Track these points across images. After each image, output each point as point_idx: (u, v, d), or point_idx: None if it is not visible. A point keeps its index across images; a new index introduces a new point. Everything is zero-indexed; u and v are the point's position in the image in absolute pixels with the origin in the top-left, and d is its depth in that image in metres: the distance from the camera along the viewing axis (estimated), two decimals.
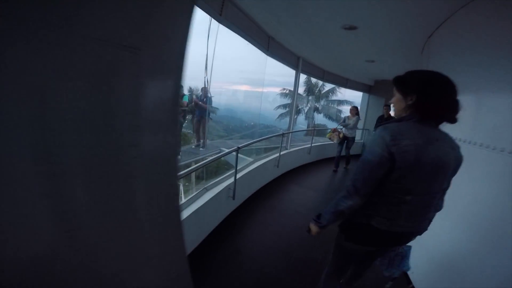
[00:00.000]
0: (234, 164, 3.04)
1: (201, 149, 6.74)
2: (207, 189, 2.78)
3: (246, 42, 3.58)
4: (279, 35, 4.20)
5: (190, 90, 7.06)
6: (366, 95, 8.96)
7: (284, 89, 20.06)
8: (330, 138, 6.02)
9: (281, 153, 4.97)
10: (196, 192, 2.61)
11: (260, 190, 4.24)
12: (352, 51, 4.70)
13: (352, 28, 3.37)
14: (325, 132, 6.17)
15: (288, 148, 5.78)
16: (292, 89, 6.22)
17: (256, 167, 4.06)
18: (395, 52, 4.41)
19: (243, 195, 3.66)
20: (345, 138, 5.87)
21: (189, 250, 2.36)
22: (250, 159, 4.52)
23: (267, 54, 4.30)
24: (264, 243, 2.73)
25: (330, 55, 5.24)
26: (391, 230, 1.14)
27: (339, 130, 5.95)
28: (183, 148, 6.64)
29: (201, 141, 6.78)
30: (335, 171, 5.91)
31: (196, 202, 2.50)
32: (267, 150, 5.58)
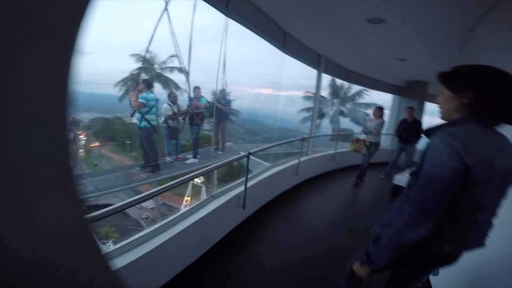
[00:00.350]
0: (251, 169, 2.84)
1: (219, 152, 6.68)
2: (214, 197, 2.60)
3: (259, 37, 3.36)
4: (297, 31, 3.92)
5: (214, 93, 6.98)
6: (397, 97, 8.30)
7: (307, 92, 19.61)
8: (356, 151, 5.04)
9: (301, 159, 4.66)
10: (201, 200, 2.44)
11: (275, 199, 3.98)
12: (379, 48, 4.28)
13: (378, 21, 3.03)
14: (351, 137, 5.61)
15: (309, 154, 5.45)
16: (315, 91, 5.89)
17: (272, 174, 3.81)
18: (429, 49, 3.94)
19: (255, 203, 3.43)
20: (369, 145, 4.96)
21: (186, 264, 2.19)
22: (267, 164, 4.29)
23: (284, 52, 4.04)
24: (273, 259, 2.47)
25: (354, 53, 4.83)
26: (452, 253, 1.01)
27: (362, 138, 5.03)
28: (201, 150, 6.61)
29: (220, 144, 6.72)
30: (357, 184, 5.18)
31: (200, 211, 2.33)
32: (290, 154, 5.29)
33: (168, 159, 5.69)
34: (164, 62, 15.68)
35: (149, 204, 22.21)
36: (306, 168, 5.02)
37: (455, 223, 0.94)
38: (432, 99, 7.77)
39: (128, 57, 15.11)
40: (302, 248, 2.71)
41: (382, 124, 4.74)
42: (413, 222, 0.90)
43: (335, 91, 19.98)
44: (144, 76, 15.25)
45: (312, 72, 5.34)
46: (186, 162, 5.78)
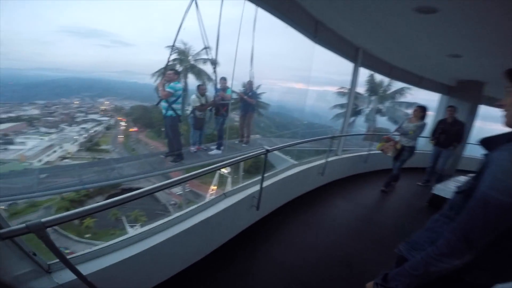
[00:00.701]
0: (276, 165, 2.63)
1: (243, 145, 6.58)
2: (226, 195, 2.46)
3: (291, 29, 3.10)
4: (330, 20, 3.55)
5: (244, 85, 6.85)
6: (445, 97, 7.38)
7: (342, 87, 18.66)
8: (383, 151, 4.36)
9: (330, 159, 4.31)
10: (211, 198, 2.31)
11: (295, 200, 3.73)
12: (429, 42, 3.72)
13: (429, 11, 2.58)
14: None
15: (339, 153, 5.05)
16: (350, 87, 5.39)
17: (294, 173, 3.56)
18: (488, 45, 3.32)
19: (272, 204, 3.24)
20: (400, 148, 4.25)
21: (187, 264, 2.09)
22: (291, 162, 4.06)
23: (315, 41, 3.69)
24: (283, 267, 2.27)
25: (399, 46, 4.27)
26: (488, 285, 0.84)
27: (394, 138, 4.35)
28: (226, 142, 6.56)
29: (245, 136, 6.61)
30: (384, 191, 4.56)
31: (209, 209, 2.21)
32: (318, 152, 4.95)
33: (192, 148, 5.73)
34: (197, 54, 16.00)
35: (178, 190, 23.27)
36: (334, 169, 4.66)
37: (501, 255, 0.79)
38: (488, 102, 6.78)
39: (165, 49, 15.64)
40: (317, 258, 2.47)
41: (422, 127, 4.06)
42: (450, 252, 0.77)
43: (373, 87, 18.74)
44: (178, 67, 15.74)
45: (348, 67, 4.90)
46: (209, 153, 5.76)
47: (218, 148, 5.81)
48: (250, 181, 2.80)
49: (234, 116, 11.36)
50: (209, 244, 2.31)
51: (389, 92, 18.38)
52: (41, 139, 31.04)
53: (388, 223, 3.51)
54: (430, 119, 6.62)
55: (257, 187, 2.70)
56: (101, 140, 37.35)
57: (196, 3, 4.44)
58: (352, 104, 5.37)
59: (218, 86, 5.66)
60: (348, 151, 5.43)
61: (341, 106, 18.36)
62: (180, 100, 4.92)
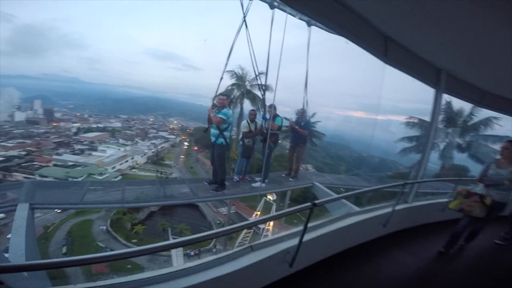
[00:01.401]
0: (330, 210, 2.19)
1: (290, 179, 6.12)
2: (253, 248, 2.09)
3: (345, 40, 2.70)
4: (402, 36, 3.00)
5: (302, 111, 6.30)
6: None
7: (411, 117, 16.49)
8: (463, 210, 3.25)
9: (397, 207, 3.50)
10: (234, 250, 1.97)
11: (342, 254, 3.03)
12: None
13: None
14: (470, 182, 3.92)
15: (409, 201, 4.10)
16: (422, 118, 4.45)
17: (347, 225, 2.95)
18: None
19: (309, 258, 2.66)
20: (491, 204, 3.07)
21: None
22: (346, 204, 3.48)
23: (384, 61, 3.09)
24: None
25: (497, 67, 3.32)
26: None
27: (477, 191, 3.21)
28: (272, 175, 6.22)
29: (293, 170, 6.15)
30: (442, 253, 3.37)
31: (225, 265, 1.86)
32: (386, 196, 4.10)
33: (235, 178, 5.55)
34: (253, 79, 16.52)
35: (224, 210, 23.62)
36: (401, 219, 3.82)
37: None
38: None
39: (225, 74, 16.67)
40: None
41: None
42: None
43: (450, 117, 16.11)
44: (236, 92, 16.53)
45: (417, 93, 4.13)
46: (253, 185, 5.48)
47: (262, 181, 5.51)
48: (286, 233, 2.37)
49: (287, 144, 11.06)
50: None
51: (470, 123, 15.56)
52: (118, 149, 36.16)
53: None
54: None
55: (293, 241, 2.26)
56: (165, 155, 41.50)
57: (246, 24, 4.46)
58: (433, 139, 4.30)
59: (267, 114, 5.46)
60: (420, 197, 4.43)
61: (410, 139, 16.22)
62: (230, 127, 4.84)
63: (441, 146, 16.45)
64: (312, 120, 16.90)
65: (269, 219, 1.88)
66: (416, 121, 15.97)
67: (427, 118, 4.31)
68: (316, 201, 2.08)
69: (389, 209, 3.45)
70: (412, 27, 2.68)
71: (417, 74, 3.63)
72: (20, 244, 2.84)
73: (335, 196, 2.94)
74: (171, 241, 1.43)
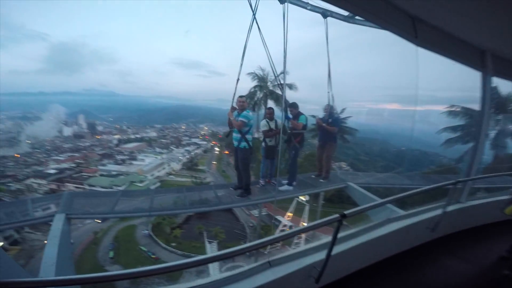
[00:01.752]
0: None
1: (321, 180, 5.73)
2: (271, 264, 1.85)
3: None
4: (432, 15, 2.55)
5: (329, 107, 5.77)
6: None
7: (452, 105, 14.85)
8: None
9: (448, 208, 3.02)
10: (251, 266, 1.75)
11: (381, 262, 2.63)
12: None
13: None
14: None
15: (463, 200, 3.54)
16: (465, 106, 3.84)
17: (387, 233, 2.59)
18: None
19: (341, 270, 2.33)
20: None
21: None
22: (391, 209, 3.08)
23: (416, 44, 2.69)
24: None
25: None
26: None
27: None
28: (300, 176, 5.87)
29: (324, 170, 5.75)
30: (505, 258, 2.76)
31: (242, 282, 1.65)
32: (434, 195, 3.56)
33: (261, 181, 5.34)
34: (275, 79, 16.21)
35: (255, 212, 23.58)
36: (453, 221, 3.30)
37: None
38: None
39: (246, 76, 16.54)
40: None
41: None
42: None
43: (498, 103, 14.18)
44: (259, 93, 16.36)
45: (455, 80, 3.56)
46: (280, 188, 5.21)
47: (289, 184, 5.21)
48: (310, 246, 2.09)
49: (317, 143, 10.59)
50: None
51: None
52: (155, 157, 38.23)
53: None
54: None
55: (319, 255, 1.97)
56: (199, 161, 42.93)
57: (257, 23, 4.30)
58: (486, 128, 3.67)
59: (289, 113, 5.15)
60: (473, 194, 3.79)
61: (453, 129, 14.60)
62: (252, 130, 4.67)
63: (491, 135, 14.54)
64: (342, 115, 16.06)
65: (294, 234, 1.68)
66: (459, 109, 14.43)
67: (470, 105, 3.68)
68: (346, 211, 1.79)
69: (438, 211, 2.99)
70: (440, 5, 2.27)
71: (457, 56, 3.13)
72: (52, 254, 2.94)
73: (373, 202, 2.55)
74: (203, 256, 1.38)
